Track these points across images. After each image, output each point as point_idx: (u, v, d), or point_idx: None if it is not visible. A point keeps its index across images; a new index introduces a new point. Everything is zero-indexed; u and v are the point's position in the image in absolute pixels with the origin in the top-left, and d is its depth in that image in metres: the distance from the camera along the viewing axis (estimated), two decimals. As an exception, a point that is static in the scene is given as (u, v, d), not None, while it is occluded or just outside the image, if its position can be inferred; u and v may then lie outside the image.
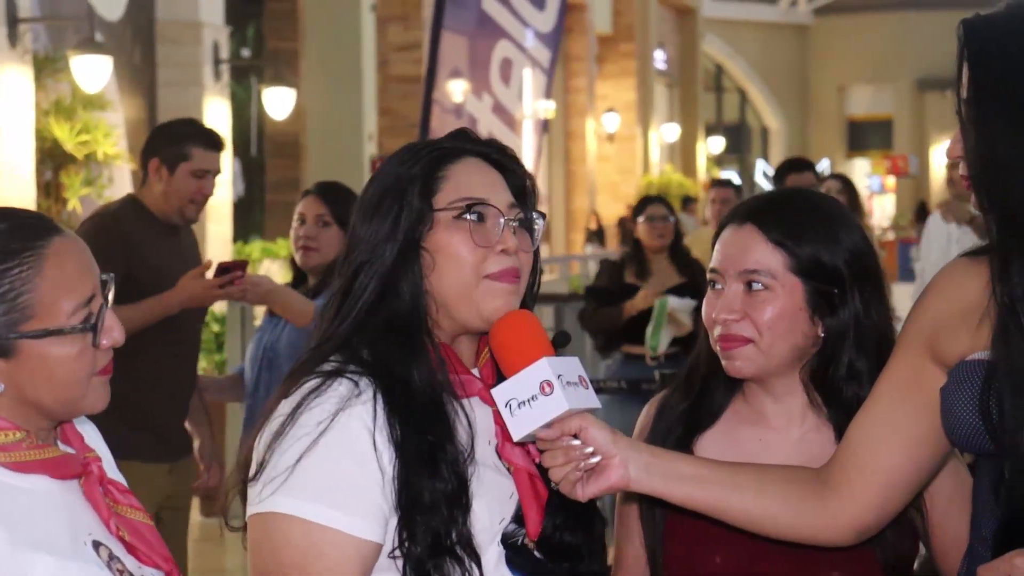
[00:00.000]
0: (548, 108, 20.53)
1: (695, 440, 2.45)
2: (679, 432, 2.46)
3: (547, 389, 2.04)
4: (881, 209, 33.41)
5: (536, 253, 2.25)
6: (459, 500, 2.07)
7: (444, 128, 6.97)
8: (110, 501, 2.02)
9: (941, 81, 35.16)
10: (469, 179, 2.18)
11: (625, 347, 7.44)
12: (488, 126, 7.17)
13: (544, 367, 2.05)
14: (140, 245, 4.93)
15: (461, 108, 7.37)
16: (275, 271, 13.25)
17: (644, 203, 7.65)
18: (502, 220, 2.16)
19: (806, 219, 2.40)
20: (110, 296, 2.04)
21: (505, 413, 2.06)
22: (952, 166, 6.46)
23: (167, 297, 4.78)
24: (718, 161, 34.61)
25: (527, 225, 2.22)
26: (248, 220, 15.14)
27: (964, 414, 2.04)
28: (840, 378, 2.39)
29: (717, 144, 34.29)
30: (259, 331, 5.16)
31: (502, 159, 2.24)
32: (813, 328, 2.38)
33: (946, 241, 7.21)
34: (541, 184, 23.60)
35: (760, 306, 2.37)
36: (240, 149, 14.70)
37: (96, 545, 1.96)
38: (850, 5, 38.42)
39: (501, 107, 7.24)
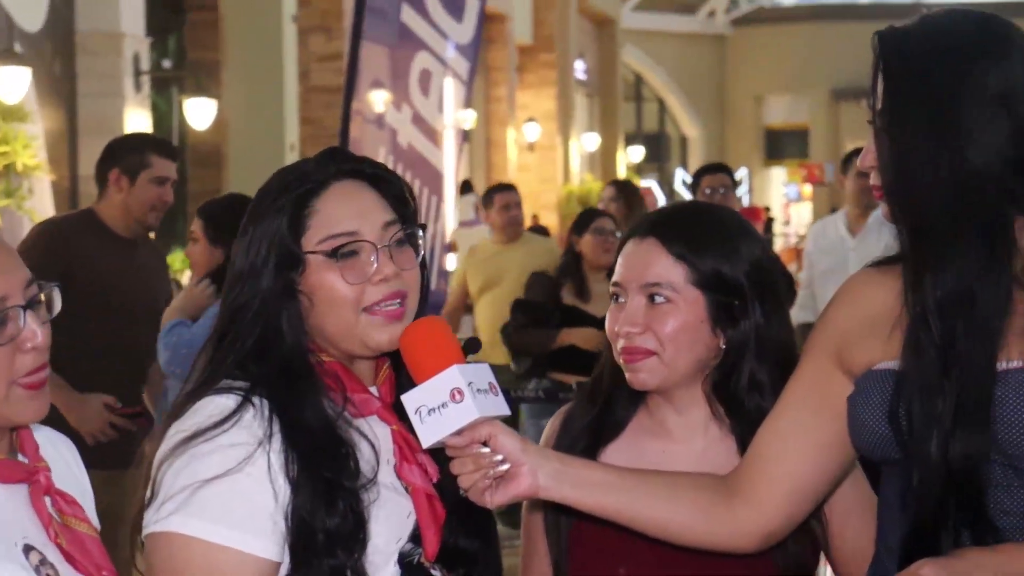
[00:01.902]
0: (469, 118, 20.67)
1: (600, 452, 2.46)
2: (584, 444, 2.46)
3: (457, 396, 2.02)
4: (798, 216, 33.76)
5: (423, 263, 2.22)
6: (355, 537, 2.06)
7: (365, 138, 7.08)
8: (56, 511, 2.01)
9: (856, 91, 35.59)
10: (337, 211, 2.14)
11: (555, 375, 7.03)
12: (408, 137, 7.26)
13: (455, 374, 2.03)
14: (88, 256, 4.98)
15: (382, 118, 7.46)
16: (197, 281, 13.29)
17: (590, 215, 7.31)
18: (375, 253, 2.13)
19: (707, 232, 2.42)
20: (51, 303, 2.01)
21: (415, 420, 2.05)
22: (863, 175, 6.54)
23: (66, 398, 4.83)
24: (638, 170, 34.83)
25: (410, 240, 2.19)
26: (170, 230, 15.13)
27: (872, 422, 2.04)
28: (742, 389, 2.41)
29: (637, 153, 34.51)
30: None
31: (376, 172, 2.21)
32: (715, 340, 2.41)
33: (842, 250, 7.18)
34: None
35: (662, 319, 2.38)
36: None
37: (28, 549, 1.95)
38: (766, 16, 38.81)
39: (420, 118, 7.33)
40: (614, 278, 2.44)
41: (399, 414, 2.16)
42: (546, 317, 6.88)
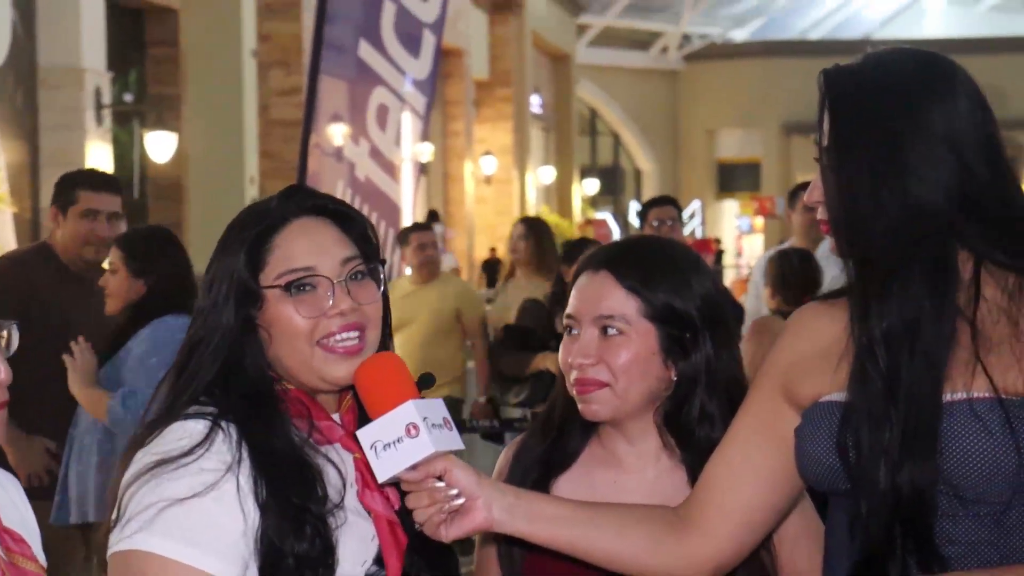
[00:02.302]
0: (426, 152, 20.84)
1: (552, 482, 2.48)
2: (536, 475, 2.48)
3: (413, 431, 2.03)
4: (750, 248, 34.02)
5: (385, 296, 2.23)
6: (324, 562, 2.08)
7: (324, 171, 7.28)
8: (3, 549, 1.97)
9: (807, 125, 35.88)
10: (295, 247, 2.16)
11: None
12: (366, 170, 7.46)
13: (410, 410, 2.04)
14: (40, 289, 5.04)
15: (340, 152, 7.64)
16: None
17: (580, 246, 7.23)
18: (331, 288, 2.15)
19: (659, 266, 2.45)
20: (10, 342, 2.02)
21: (370, 455, 2.05)
22: (810, 210, 6.63)
23: (10, 435, 4.81)
24: (593, 203, 35.06)
25: (372, 274, 2.21)
26: (131, 261, 15.22)
27: (819, 454, 2.05)
28: (692, 420, 2.42)
29: (592, 186, 34.71)
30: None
31: (338, 209, 2.23)
32: (666, 372, 2.43)
33: None
34: (420, 226, 23.86)
35: (615, 351, 2.40)
36: (123, 192, 14.82)
37: None
38: (718, 52, 39.15)
39: (378, 152, 7.52)
40: (567, 310, 2.46)
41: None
42: (534, 342, 6.88)
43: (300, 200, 2.22)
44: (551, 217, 27.30)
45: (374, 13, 7.49)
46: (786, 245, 7.65)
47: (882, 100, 2.03)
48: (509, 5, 26.71)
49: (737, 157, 39.61)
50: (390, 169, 7.87)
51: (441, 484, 2.08)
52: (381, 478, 2.06)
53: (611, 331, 2.41)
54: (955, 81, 2.06)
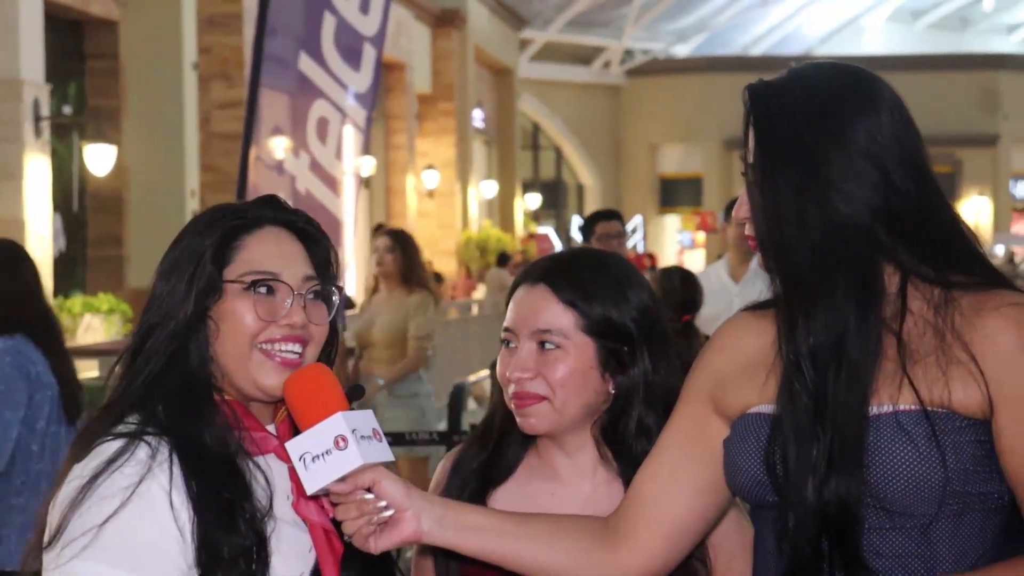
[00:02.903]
0: (367, 165, 20.81)
1: (489, 494, 2.49)
2: (474, 486, 2.49)
3: (341, 443, 2.02)
4: (692, 263, 34.22)
5: (333, 324, 2.26)
6: (258, 555, 2.09)
7: (264, 184, 7.25)
8: None
9: (747, 140, 36.16)
10: (264, 251, 2.20)
11: None
12: (306, 183, 7.45)
13: (339, 421, 2.04)
14: None
15: (281, 165, 7.62)
16: (96, 325, 13.33)
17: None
18: (291, 297, 2.18)
19: (596, 280, 2.45)
20: None
21: (299, 467, 2.05)
22: (740, 225, 6.68)
23: None
24: (535, 217, 35.16)
25: (325, 297, 2.24)
26: (70, 275, 15.15)
27: (747, 466, 2.05)
28: (630, 434, 2.43)
29: (534, 200, 34.80)
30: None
31: (307, 229, 2.27)
32: (604, 385, 2.43)
33: (726, 296, 7.19)
34: (362, 240, 23.87)
35: (553, 365, 2.41)
36: (62, 205, 14.73)
37: None
38: (660, 67, 39.36)
39: (318, 165, 7.51)
40: (505, 324, 2.46)
41: None
42: None
43: (275, 209, 2.26)
44: (494, 231, 27.37)
45: (315, 26, 7.48)
46: (723, 260, 7.71)
47: (805, 116, 2.03)
48: (451, 19, 26.75)
49: (679, 172, 39.82)
50: (331, 182, 7.85)
51: (370, 496, 2.08)
52: (310, 490, 2.06)
53: (548, 345, 2.42)
54: (878, 96, 2.06)
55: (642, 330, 2.45)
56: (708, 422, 2.15)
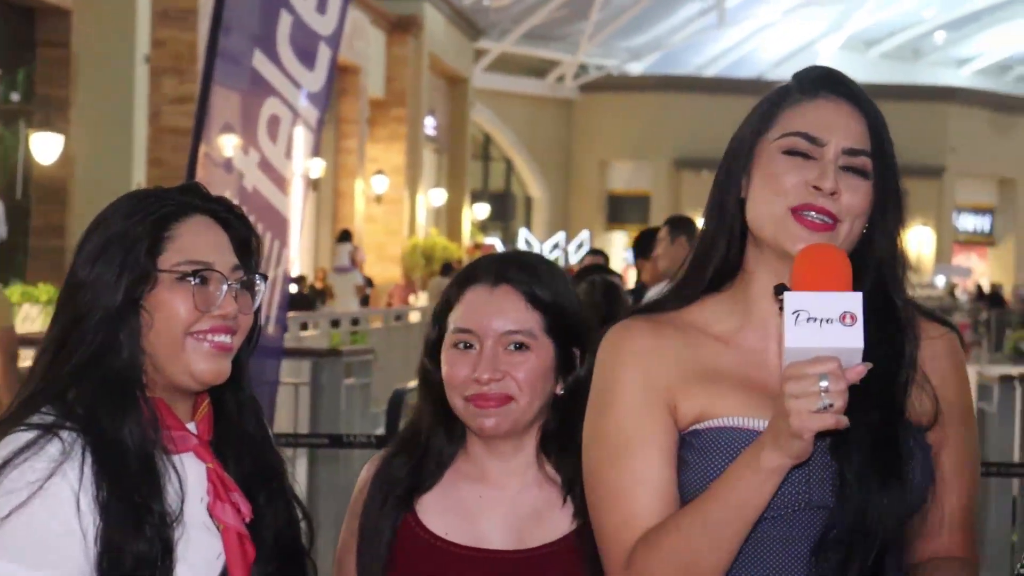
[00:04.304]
0: (317, 167, 20.73)
1: (417, 498, 2.46)
2: (400, 492, 2.47)
3: (848, 320, 1.92)
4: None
5: (256, 313, 2.24)
6: (161, 564, 2.05)
7: (212, 180, 7.19)
8: None
9: (697, 160, 36.41)
10: (196, 240, 2.16)
11: None
12: (254, 181, 7.39)
13: (856, 300, 1.93)
14: None
15: (230, 163, 7.56)
16: (35, 315, 13.21)
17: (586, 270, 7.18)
18: (225, 286, 2.15)
19: (555, 282, 2.47)
20: None
21: (789, 318, 1.93)
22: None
23: None
24: (483, 227, 35.18)
25: (249, 286, 2.21)
26: (11, 263, 15.02)
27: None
28: (567, 436, 2.41)
29: (482, 211, 34.84)
30: None
31: (230, 218, 2.23)
32: (554, 387, 2.45)
33: None
34: (308, 242, 23.79)
35: (520, 365, 2.40)
36: (5, 192, 14.61)
37: None
38: (614, 84, 39.53)
39: (268, 163, 7.46)
40: (461, 325, 2.43)
41: (217, 451, 2.19)
42: None
43: (200, 197, 2.21)
44: (440, 239, 27.37)
45: (270, 24, 7.42)
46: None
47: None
48: (408, 26, 26.76)
49: (627, 189, 39.99)
50: (280, 182, 7.78)
51: (824, 384, 1.92)
52: (790, 343, 1.93)
53: (515, 346, 2.41)
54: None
55: (588, 332, 2.47)
56: (673, 430, 2.13)
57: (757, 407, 2.10)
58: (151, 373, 2.14)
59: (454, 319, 2.45)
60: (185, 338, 2.13)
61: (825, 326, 1.91)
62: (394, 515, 2.45)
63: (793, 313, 1.92)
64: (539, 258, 2.58)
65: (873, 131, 2.14)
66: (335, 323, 16.11)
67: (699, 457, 2.10)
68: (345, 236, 21.81)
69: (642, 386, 2.14)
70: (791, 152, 2.11)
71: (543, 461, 2.46)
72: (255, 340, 2.25)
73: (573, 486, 2.37)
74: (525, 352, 2.41)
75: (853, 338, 1.91)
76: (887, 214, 2.13)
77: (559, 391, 2.45)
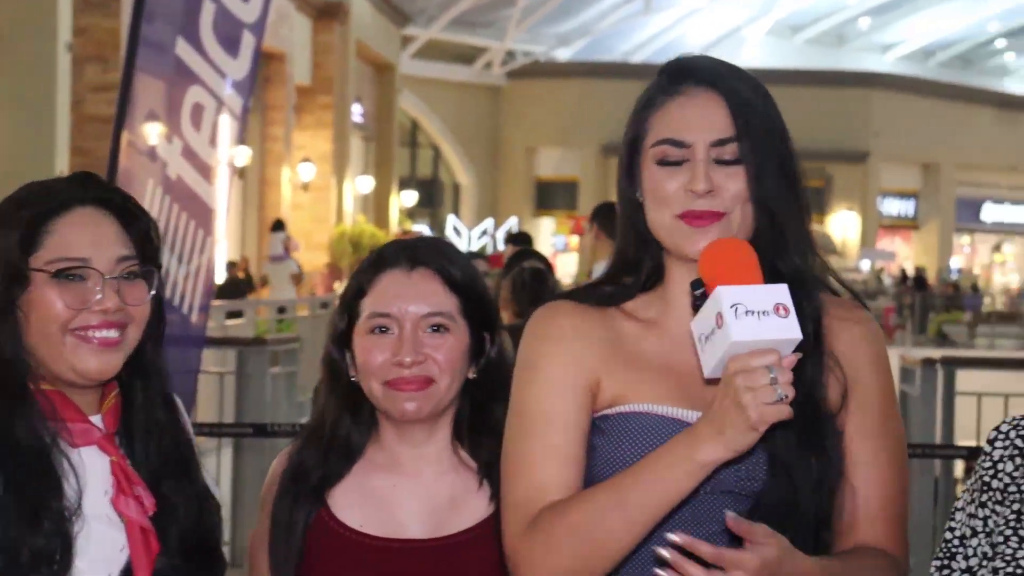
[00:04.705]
0: (242, 155, 20.62)
1: (329, 491, 2.44)
2: (312, 484, 2.44)
3: (782, 312, 1.94)
4: (564, 267, 34.42)
5: (159, 300, 2.22)
6: (60, 559, 2.03)
7: (136, 169, 7.14)
8: None
9: (625, 147, 36.52)
10: (73, 236, 2.13)
11: None
12: (178, 169, 7.34)
13: (785, 292, 1.96)
14: None
15: (154, 151, 7.51)
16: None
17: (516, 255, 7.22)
18: (101, 284, 2.11)
19: (467, 265, 2.47)
20: None
21: (728, 313, 1.94)
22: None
23: None
24: (411, 214, 35.13)
25: (147, 276, 2.18)
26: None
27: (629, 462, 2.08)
28: (481, 419, 2.44)
29: (410, 198, 34.79)
30: None
31: (125, 206, 2.20)
32: (468, 371, 2.45)
33: None
34: (235, 230, 23.65)
35: (440, 348, 2.40)
36: (-76, 182, 14.42)
37: None
38: (541, 70, 39.58)
39: (191, 152, 7.41)
40: (377, 309, 2.41)
41: (126, 444, 2.17)
42: None
43: (87, 188, 2.18)
44: (367, 227, 27.30)
45: (193, 11, 7.36)
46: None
47: None
48: (334, 12, 26.63)
49: (555, 176, 40.07)
50: (204, 170, 7.73)
51: (772, 376, 1.93)
52: (738, 337, 1.93)
53: (435, 328, 2.41)
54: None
55: (496, 316, 2.50)
56: (589, 411, 2.15)
57: (671, 395, 2.13)
58: (41, 372, 2.13)
59: (369, 304, 2.43)
60: (64, 336, 2.11)
61: (763, 318, 1.93)
62: (306, 509, 2.43)
63: (731, 307, 1.93)
64: (447, 243, 2.59)
65: (737, 114, 2.11)
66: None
67: (607, 442, 2.13)
68: (279, 225, 21.76)
69: (565, 363, 2.15)
70: (663, 162, 2.12)
71: (457, 446, 2.46)
72: (161, 330, 2.23)
73: (490, 470, 2.38)
74: (444, 334, 2.41)
75: (791, 328, 1.94)
76: (769, 192, 2.11)
77: (471, 375, 2.45)
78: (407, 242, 2.53)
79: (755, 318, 1.93)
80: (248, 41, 7.75)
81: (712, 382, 2.00)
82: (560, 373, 2.15)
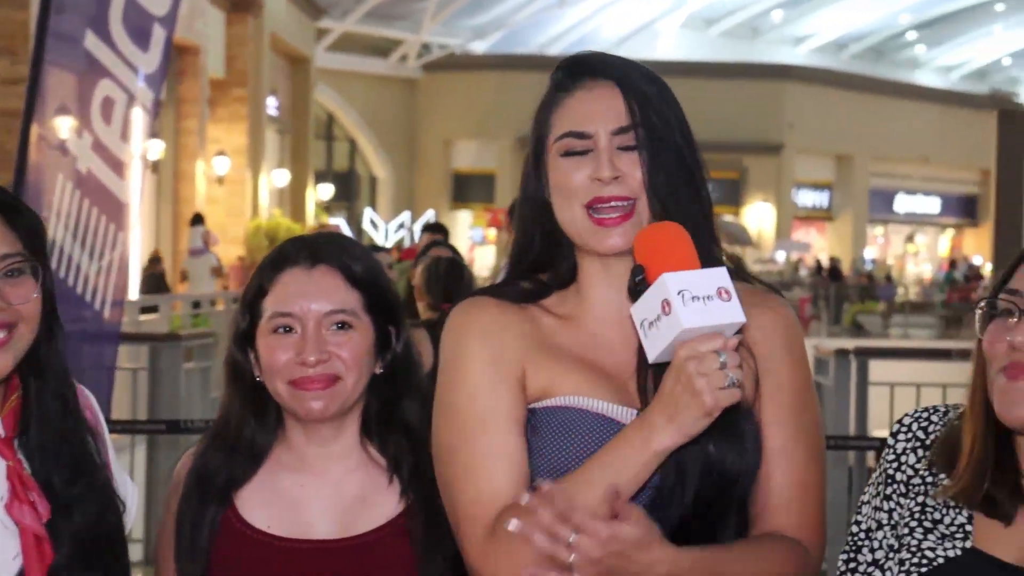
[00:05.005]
0: (156, 148, 20.41)
1: (236, 493, 2.42)
2: (217, 485, 2.42)
3: (725, 296, 1.96)
4: (481, 259, 34.47)
5: (50, 296, 2.19)
6: None
7: (46, 163, 7.05)
8: None
9: (542, 139, 36.60)
10: None
11: None
12: (88, 163, 7.26)
13: (725, 275, 1.98)
14: None
15: (65, 145, 7.42)
16: None
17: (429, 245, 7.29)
18: None
19: (369, 260, 2.45)
20: None
21: (676, 300, 1.94)
22: None
23: None
24: (327, 208, 34.99)
25: (34, 273, 2.15)
26: None
27: (569, 458, 2.09)
28: (389, 415, 2.42)
29: (326, 191, 34.64)
30: None
31: (8, 202, 2.18)
32: (373, 367, 2.43)
33: None
34: (149, 224, 23.43)
35: (346, 345, 2.37)
36: None
37: None
38: (457, 63, 39.55)
39: (102, 146, 7.33)
40: (280, 309, 2.39)
41: (25, 447, 2.15)
42: None
43: None
44: (283, 220, 27.16)
45: (103, 4, 7.29)
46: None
47: None
48: (247, 5, 26.45)
49: (472, 168, 40.09)
50: (115, 164, 7.64)
51: (722, 360, 1.95)
52: (689, 323, 1.94)
53: (339, 326, 2.38)
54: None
55: (400, 310, 2.48)
56: (523, 404, 2.14)
57: (595, 389, 2.13)
58: None
59: (271, 304, 2.40)
60: None
61: (709, 303, 1.94)
62: (212, 511, 2.40)
63: (678, 294, 1.94)
64: (348, 238, 2.58)
65: (635, 102, 2.15)
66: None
67: (539, 438, 2.12)
68: (198, 219, 21.62)
69: (491, 360, 2.15)
70: (568, 154, 2.15)
71: (366, 443, 2.43)
72: (56, 327, 2.19)
73: (399, 466, 2.38)
74: (348, 331, 2.38)
75: (736, 312, 1.95)
76: (662, 181, 2.12)
77: (378, 370, 2.42)
78: (307, 239, 2.50)
79: (701, 303, 1.94)
80: (159, 34, 7.67)
81: (657, 367, 2.01)
82: (490, 371, 2.15)
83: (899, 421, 2.19)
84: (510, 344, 2.15)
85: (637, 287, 2.00)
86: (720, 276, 1.96)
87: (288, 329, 2.38)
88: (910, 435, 2.15)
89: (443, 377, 2.19)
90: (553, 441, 2.12)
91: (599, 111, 2.15)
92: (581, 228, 2.14)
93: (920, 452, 2.13)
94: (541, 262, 2.23)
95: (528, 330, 2.17)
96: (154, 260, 21.16)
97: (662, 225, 2.04)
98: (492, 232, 36.05)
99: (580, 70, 2.21)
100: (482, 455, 2.12)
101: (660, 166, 2.13)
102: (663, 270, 1.96)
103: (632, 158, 2.13)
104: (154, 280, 19.88)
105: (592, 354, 2.17)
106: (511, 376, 2.14)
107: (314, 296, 2.39)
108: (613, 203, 2.12)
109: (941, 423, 2.15)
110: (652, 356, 1.98)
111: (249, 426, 2.44)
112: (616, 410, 2.12)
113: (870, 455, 7.68)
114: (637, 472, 2.01)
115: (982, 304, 2.07)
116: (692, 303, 1.93)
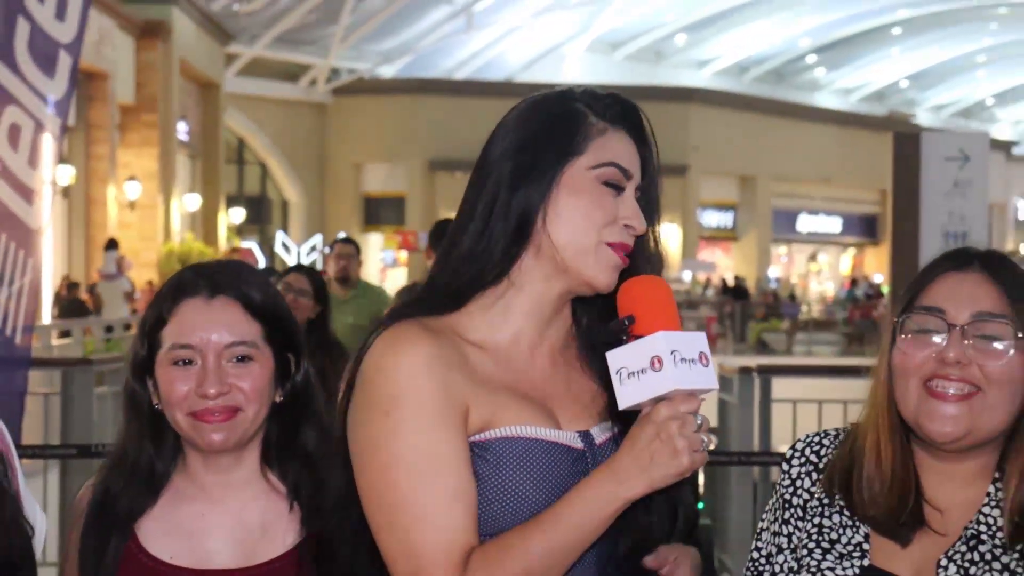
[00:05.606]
0: (65, 174, 20.30)
1: (137, 523, 2.38)
2: (118, 516, 2.38)
3: (703, 360, 1.98)
4: (393, 281, 34.45)
5: None
6: None
7: (-47, 190, 7.07)
8: None
9: (451, 162, 36.74)
10: None
11: None
12: (-6, 190, 7.28)
13: (658, 341, 1.97)
14: None
15: (-29, 172, 7.41)
16: None
17: (286, 271, 7.09)
18: None
19: (267, 288, 2.42)
20: None
21: (615, 379, 1.98)
22: None
23: None
24: (239, 231, 34.89)
25: None
26: None
27: (525, 490, 2.07)
28: (288, 443, 2.40)
29: (238, 215, 34.54)
30: None
31: None
32: (273, 396, 2.40)
33: None
34: (61, 250, 23.26)
35: (247, 376, 2.35)
36: None
37: None
38: (366, 87, 39.55)
39: (9, 172, 7.34)
40: (179, 341, 2.35)
41: None
42: None
43: None
44: (196, 244, 27.06)
45: (8, 31, 7.32)
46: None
47: None
48: (156, 31, 26.41)
49: (382, 191, 40.07)
50: (23, 191, 7.66)
51: (699, 422, 1.97)
52: (680, 385, 1.95)
53: (239, 358, 2.35)
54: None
55: (299, 337, 2.45)
56: (466, 439, 2.08)
57: (533, 415, 2.11)
58: None
59: (170, 335, 2.36)
60: None
61: (693, 367, 1.96)
62: (115, 543, 2.36)
63: (671, 353, 1.95)
64: (246, 265, 2.54)
65: (648, 156, 2.22)
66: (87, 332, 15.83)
67: (492, 470, 2.07)
68: (112, 244, 21.56)
69: (435, 396, 2.06)
70: (608, 183, 2.14)
71: (266, 471, 2.41)
72: None
73: (298, 493, 2.37)
74: (249, 364, 2.36)
75: (712, 379, 1.98)
76: (654, 220, 2.21)
77: (278, 399, 2.41)
78: (205, 268, 2.45)
79: (687, 366, 1.95)
80: (64, 61, 7.71)
81: (627, 413, 2.01)
82: (438, 409, 2.06)
83: (792, 447, 2.23)
84: (452, 376, 2.07)
85: (621, 333, 2.00)
86: (702, 341, 1.99)
87: (188, 361, 2.35)
88: (803, 459, 2.19)
89: (380, 417, 2.06)
90: (509, 471, 2.07)
91: (634, 157, 2.18)
92: (587, 253, 2.14)
93: (814, 476, 2.17)
94: (473, 280, 2.16)
95: (459, 362, 2.10)
96: (73, 285, 21.02)
97: (658, 281, 2.06)
98: (403, 254, 36.04)
99: (623, 117, 2.21)
100: (443, 499, 2.03)
101: (653, 204, 2.21)
102: (657, 327, 1.97)
103: (637, 205, 2.18)
104: (75, 305, 19.75)
105: (519, 383, 2.14)
106: (457, 412, 2.06)
107: (214, 328, 2.35)
108: (625, 253, 2.15)
109: (832, 446, 2.18)
110: (624, 403, 1.99)
111: (147, 454, 2.39)
112: (558, 434, 2.10)
113: (774, 470, 7.79)
114: (608, 516, 2.00)
115: (897, 321, 2.09)
116: (682, 364, 1.95)
